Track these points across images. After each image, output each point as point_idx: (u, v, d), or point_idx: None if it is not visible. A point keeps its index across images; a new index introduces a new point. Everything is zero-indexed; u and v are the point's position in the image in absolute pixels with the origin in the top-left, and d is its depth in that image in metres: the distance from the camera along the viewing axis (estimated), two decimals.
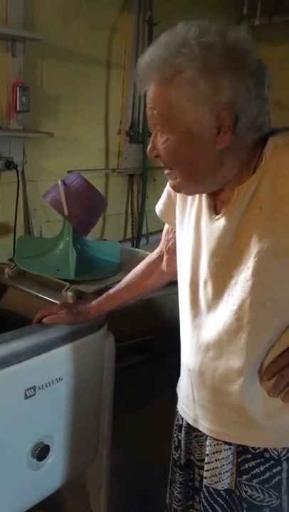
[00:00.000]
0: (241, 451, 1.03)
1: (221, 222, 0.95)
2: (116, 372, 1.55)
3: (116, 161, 3.01)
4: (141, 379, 2.45)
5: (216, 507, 1.07)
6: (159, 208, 1.22)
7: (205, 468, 1.08)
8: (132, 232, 3.18)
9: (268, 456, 1.01)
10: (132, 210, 3.17)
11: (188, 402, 1.12)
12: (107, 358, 1.50)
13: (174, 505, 1.21)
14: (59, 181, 1.78)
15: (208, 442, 1.08)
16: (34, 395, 1.27)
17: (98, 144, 2.90)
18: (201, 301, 1.03)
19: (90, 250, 1.91)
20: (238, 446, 1.03)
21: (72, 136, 2.68)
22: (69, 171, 2.40)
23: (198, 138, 0.88)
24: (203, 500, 1.09)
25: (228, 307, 0.96)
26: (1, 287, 1.71)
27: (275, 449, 1.00)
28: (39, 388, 1.28)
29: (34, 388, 1.27)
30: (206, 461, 1.08)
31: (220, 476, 1.05)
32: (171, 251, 1.23)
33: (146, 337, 2.31)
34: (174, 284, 1.18)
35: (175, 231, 1.15)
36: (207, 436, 1.08)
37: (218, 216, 0.96)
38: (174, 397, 1.20)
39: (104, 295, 1.38)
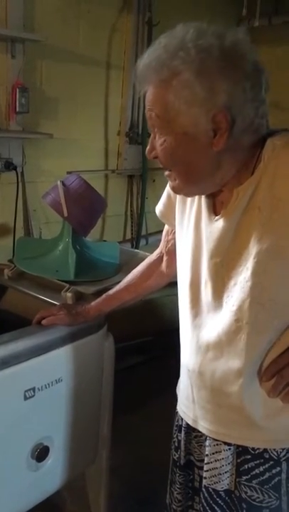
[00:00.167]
0: (241, 451, 1.03)
1: (220, 223, 0.96)
2: (115, 373, 1.55)
3: (115, 162, 3.01)
4: (140, 380, 2.45)
5: (216, 507, 1.08)
6: (159, 209, 1.22)
7: (204, 469, 1.09)
8: (132, 233, 3.18)
9: (267, 456, 1.01)
10: (131, 211, 3.17)
11: (188, 403, 1.12)
12: (107, 359, 1.50)
13: (174, 506, 1.22)
14: (58, 182, 1.78)
15: (207, 443, 1.08)
16: (33, 396, 1.27)
17: (98, 145, 2.90)
18: (200, 301, 1.03)
19: (90, 251, 1.91)
20: (238, 446, 1.03)
21: (71, 137, 2.69)
22: (68, 172, 2.40)
23: (195, 140, 0.88)
24: (203, 501, 1.10)
25: (227, 308, 0.97)
26: (1, 288, 1.71)
27: (274, 449, 1.00)
28: (38, 389, 1.28)
29: (33, 389, 1.27)
30: (205, 462, 1.08)
31: (219, 477, 1.06)
32: (171, 252, 1.23)
33: (145, 338, 2.31)
34: (173, 284, 1.18)
35: (175, 232, 1.15)
36: (207, 436, 1.08)
37: (217, 217, 0.97)
38: (173, 398, 1.20)
39: (104, 296, 1.38)
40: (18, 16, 2.28)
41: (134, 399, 2.30)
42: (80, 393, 1.41)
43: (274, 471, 1.01)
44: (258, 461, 1.01)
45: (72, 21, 2.57)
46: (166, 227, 1.27)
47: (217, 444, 1.06)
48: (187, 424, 1.14)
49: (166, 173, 0.98)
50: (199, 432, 1.10)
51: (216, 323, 0.99)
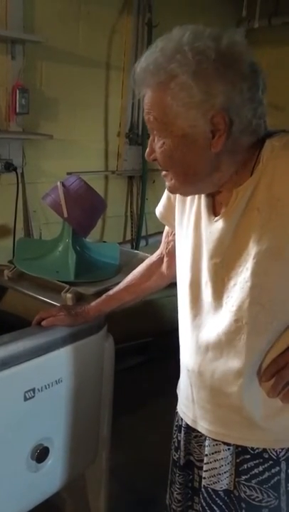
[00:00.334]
0: (240, 451, 1.04)
1: (219, 223, 0.96)
2: (115, 374, 1.55)
3: (115, 163, 3.01)
4: (140, 380, 2.45)
5: (215, 507, 1.08)
6: (159, 210, 1.23)
7: (204, 469, 1.09)
8: (132, 234, 3.18)
9: (266, 456, 1.01)
10: (131, 211, 3.17)
11: (188, 403, 1.12)
12: (107, 360, 1.50)
13: (174, 506, 1.22)
14: (58, 183, 1.78)
15: (207, 443, 1.08)
16: (33, 397, 1.27)
17: (98, 146, 2.91)
18: (200, 301, 1.03)
19: (90, 252, 1.91)
20: (237, 446, 1.04)
21: (71, 138, 2.69)
22: (68, 173, 2.40)
23: (194, 142, 0.89)
24: (202, 501, 1.10)
25: (227, 308, 0.97)
26: (1, 289, 1.71)
27: (273, 449, 1.01)
28: (38, 390, 1.28)
29: (33, 390, 1.27)
30: (204, 462, 1.09)
31: (218, 477, 1.06)
32: (171, 253, 1.23)
33: (145, 339, 2.31)
34: (173, 285, 1.18)
35: (175, 233, 1.15)
36: (206, 436, 1.08)
37: (216, 218, 0.97)
38: (173, 399, 1.21)
39: (104, 296, 1.38)
40: (18, 17, 2.28)
41: (134, 400, 2.30)
42: (80, 394, 1.41)
43: (273, 471, 1.01)
44: (257, 461, 1.02)
45: (72, 22, 2.57)
46: (166, 228, 1.28)
47: (216, 444, 1.06)
48: (187, 424, 1.14)
49: (163, 173, 0.98)
50: (199, 432, 1.10)
51: (216, 323, 1.00)
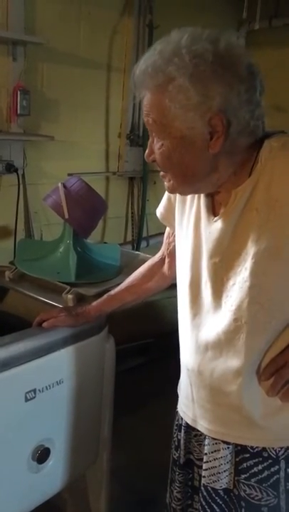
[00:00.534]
0: (239, 450, 1.04)
1: (218, 223, 0.97)
2: (116, 375, 1.55)
3: (116, 164, 3.02)
4: (141, 381, 2.45)
5: (214, 506, 1.08)
6: (159, 211, 1.23)
7: (203, 468, 1.09)
8: (133, 235, 3.18)
9: (266, 455, 1.02)
10: (132, 213, 3.17)
11: (188, 402, 1.13)
12: (108, 361, 1.50)
13: (174, 505, 1.22)
14: (59, 184, 1.79)
15: (206, 441, 1.09)
16: (34, 397, 1.27)
17: (98, 147, 2.91)
18: (200, 301, 1.04)
19: (91, 253, 1.91)
20: (237, 445, 1.04)
21: (72, 140, 2.70)
22: (69, 174, 2.40)
23: (192, 143, 0.90)
24: (202, 500, 1.10)
25: (226, 307, 0.98)
26: (2, 290, 1.71)
27: (273, 448, 1.01)
28: (39, 391, 1.28)
29: (34, 391, 1.27)
30: (204, 461, 1.09)
31: (218, 476, 1.06)
32: (173, 254, 1.23)
33: (146, 340, 2.31)
34: (174, 287, 1.18)
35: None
36: (206, 435, 1.09)
37: (215, 218, 0.98)
38: (174, 400, 1.21)
39: (105, 296, 1.38)
40: (19, 18, 2.29)
41: (135, 400, 2.30)
42: (80, 395, 1.41)
43: (272, 470, 1.02)
44: (256, 460, 1.02)
45: (73, 24, 2.58)
46: (167, 229, 1.28)
47: (216, 443, 1.06)
48: (187, 423, 1.15)
49: (162, 173, 1.00)
50: (199, 431, 1.11)
51: (215, 322, 1.00)
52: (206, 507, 1.09)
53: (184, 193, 1.05)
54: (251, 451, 1.02)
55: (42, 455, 1.34)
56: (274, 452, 1.01)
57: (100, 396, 1.51)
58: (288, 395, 0.96)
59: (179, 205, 1.11)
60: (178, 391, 1.20)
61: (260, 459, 1.02)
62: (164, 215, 1.21)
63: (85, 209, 1.79)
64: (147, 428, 2.23)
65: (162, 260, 1.32)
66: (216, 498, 1.08)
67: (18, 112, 2.34)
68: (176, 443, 1.20)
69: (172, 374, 1.23)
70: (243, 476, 1.04)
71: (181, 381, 1.17)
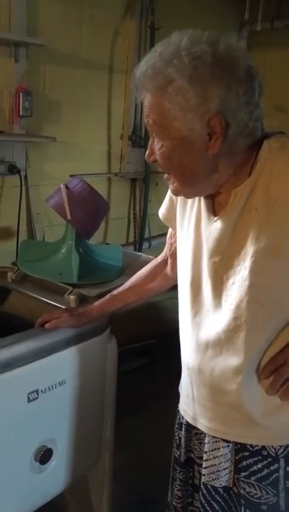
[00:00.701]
0: (239, 448, 1.05)
1: (218, 223, 0.98)
2: (118, 375, 1.56)
3: (118, 166, 3.02)
4: (143, 382, 2.45)
5: (214, 504, 1.09)
6: (161, 212, 1.24)
7: (203, 466, 1.10)
8: (135, 236, 3.19)
9: (265, 453, 1.02)
10: (134, 214, 3.18)
11: (188, 401, 1.13)
12: (110, 362, 1.50)
13: (174, 503, 1.23)
14: (62, 185, 1.79)
15: (206, 440, 1.09)
16: (37, 398, 1.27)
17: (100, 149, 2.91)
18: (200, 300, 1.05)
19: (93, 254, 1.91)
20: (236, 443, 1.05)
21: (74, 141, 2.70)
22: (71, 175, 2.41)
23: (191, 144, 0.91)
24: (202, 498, 1.11)
25: (226, 306, 0.99)
26: (4, 291, 1.72)
27: (272, 446, 1.02)
28: (42, 392, 1.29)
29: (37, 392, 1.27)
30: (204, 459, 1.10)
31: (218, 474, 1.07)
32: (175, 255, 1.24)
33: (148, 341, 2.31)
34: (176, 287, 1.18)
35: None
36: (206, 434, 1.09)
37: (215, 218, 0.99)
38: (176, 400, 1.21)
39: (108, 296, 1.39)
40: (21, 20, 2.30)
41: (137, 401, 2.30)
42: (83, 395, 1.41)
43: (272, 468, 1.02)
44: (256, 458, 1.03)
45: (75, 26, 2.58)
46: (169, 230, 1.29)
47: (216, 441, 1.07)
48: (187, 421, 1.15)
49: (166, 176, 1.01)
50: (199, 429, 1.12)
51: (215, 321, 1.01)
52: (206, 505, 1.10)
53: (187, 196, 1.06)
54: (251, 449, 1.03)
55: (44, 456, 1.34)
56: (273, 451, 1.02)
57: (102, 397, 1.51)
58: (287, 393, 0.97)
59: (180, 206, 1.12)
60: (179, 390, 1.20)
61: (260, 457, 1.02)
62: (166, 216, 1.22)
63: (87, 210, 1.79)
64: (149, 429, 2.23)
65: (165, 261, 1.33)
66: (216, 496, 1.08)
67: (21, 113, 2.34)
68: (177, 441, 1.21)
69: (174, 375, 1.24)
70: (242, 474, 1.05)
71: (182, 380, 1.18)
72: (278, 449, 1.01)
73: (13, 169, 2.41)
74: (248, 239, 0.93)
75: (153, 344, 2.40)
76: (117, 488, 1.74)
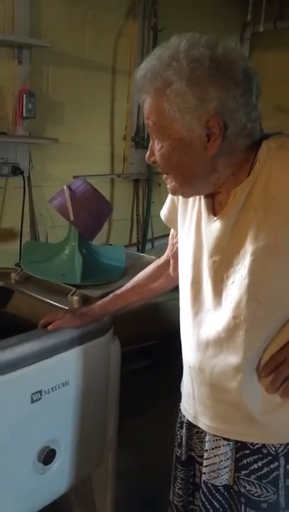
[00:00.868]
0: (239, 447, 1.05)
1: (218, 223, 0.99)
2: (121, 376, 1.56)
3: (121, 167, 3.03)
4: (145, 383, 2.45)
5: (214, 502, 1.09)
6: (163, 213, 1.25)
7: (204, 464, 1.10)
8: (138, 237, 3.19)
9: (265, 452, 1.03)
10: (137, 215, 3.18)
11: (189, 400, 1.14)
12: (113, 362, 1.51)
13: (176, 502, 1.23)
14: (65, 187, 1.79)
15: (207, 438, 1.10)
16: (40, 399, 1.28)
17: (103, 150, 2.92)
18: (201, 299, 1.06)
19: (96, 255, 1.92)
20: (237, 442, 1.05)
21: (77, 142, 2.71)
22: (75, 177, 2.42)
23: (190, 145, 0.93)
24: (202, 496, 1.11)
25: (226, 305, 1.00)
26: (8, 292, 1.72)
27: (272, 445, 1.02)
28: (45, 392, 1.29)
29: (40, 392, 1.28)
30: (205, 457, 1.10)
31: (218, 472, 1.07)
32: (177, 255, 1.24)
33: (150, 341, 2.31)
34: (178, 289, 1.19)
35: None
36: (207, 432, 1.09)
37: (215, 217, 1.00)
38: (178, 401, 1.21)
39: (111, 295, 1.39)
40: (24, 22, 2.30)
41: (140, 402, 2.30)
42: (86, 396, 1.41)
43: (272, 466, 1.03)
44: (256, 456, 1.03)
45: (79, 27, 2.59)
46: (172, 231, 1.29)
47: (216, 440, 1.07)
48: (188, 420, 1.16)
49: (164, 176, 1.02)
50: (200, 428, 1.12)
51: (216, 320, 1.02)
52: (206, 503, 1.10)
53: (185, 195, 1.07)
54: (251, 447, 1.04)
55: (48, 456, 1.34)
56: (273, 449, 1.02)
57: (106, 397, 1.52)
58: (288, 391, 0.97)
59: (181, 207, 1.13)
60: (180, 389, 1.21)
61: (260, 455, 1.03)
62: (168, 217, 1.23)
63: (90, 211, 1.80)
64: (152, 429, 2.23)
65: (167, 262, 1.34)
66: (216, 494, 1.09)
67: (24, 114, 2.35)
68: (179, 440, 1.22)
69: (177, 376, 1.24)
70: (243, 473, 1.05)
71: (183, 379, 1.19)
72: (278, 447, 1.02)
73: (16, 170, 2.41)
74: (247, 238, 0.94)
75: (155, 345, 2.40)
76: (121, 489, 1.74)
